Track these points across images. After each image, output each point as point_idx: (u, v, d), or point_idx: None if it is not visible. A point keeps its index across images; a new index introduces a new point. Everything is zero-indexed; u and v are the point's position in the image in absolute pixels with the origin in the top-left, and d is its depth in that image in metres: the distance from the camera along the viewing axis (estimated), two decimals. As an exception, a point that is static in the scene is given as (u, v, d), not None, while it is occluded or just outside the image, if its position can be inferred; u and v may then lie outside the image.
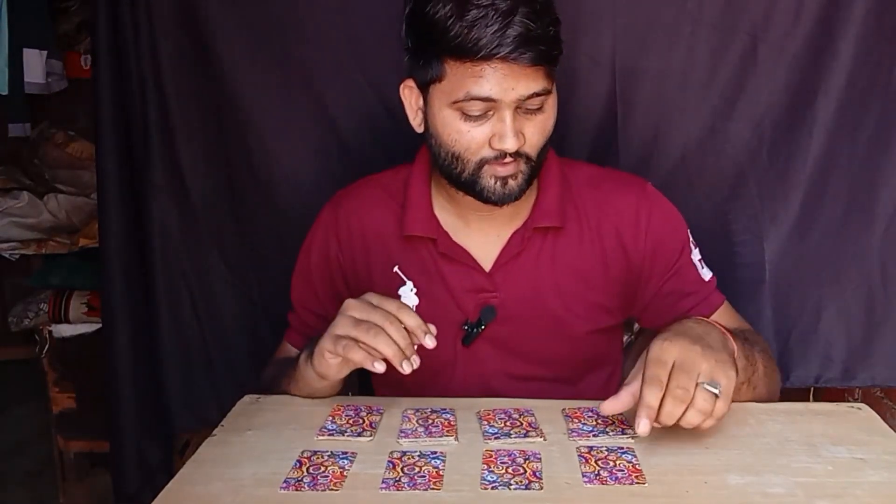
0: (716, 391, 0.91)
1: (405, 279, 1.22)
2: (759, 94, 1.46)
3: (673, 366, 0.92)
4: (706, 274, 1.24)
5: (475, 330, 1.20)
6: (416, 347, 1.00)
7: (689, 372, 0.92)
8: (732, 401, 0.95)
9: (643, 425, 0.89)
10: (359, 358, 1.00)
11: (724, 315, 1.23)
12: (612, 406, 0.96)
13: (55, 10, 2.17)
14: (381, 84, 1.50)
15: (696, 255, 1.24)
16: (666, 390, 0.91)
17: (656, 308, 1.24)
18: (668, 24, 1.44)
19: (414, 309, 1.19)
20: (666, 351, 0.93)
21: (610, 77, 1.47)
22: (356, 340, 1.00)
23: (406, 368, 0.98)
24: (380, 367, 0.99)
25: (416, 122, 1.16)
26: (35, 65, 1.90)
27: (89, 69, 1.61)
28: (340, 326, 1.02)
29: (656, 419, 0.91)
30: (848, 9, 1.40)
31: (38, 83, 1.93)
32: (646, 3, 1.44)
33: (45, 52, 1.93)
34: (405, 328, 1.00)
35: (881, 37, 1.41)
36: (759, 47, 1.43)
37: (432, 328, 1.01)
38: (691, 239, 1.24)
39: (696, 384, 0.91)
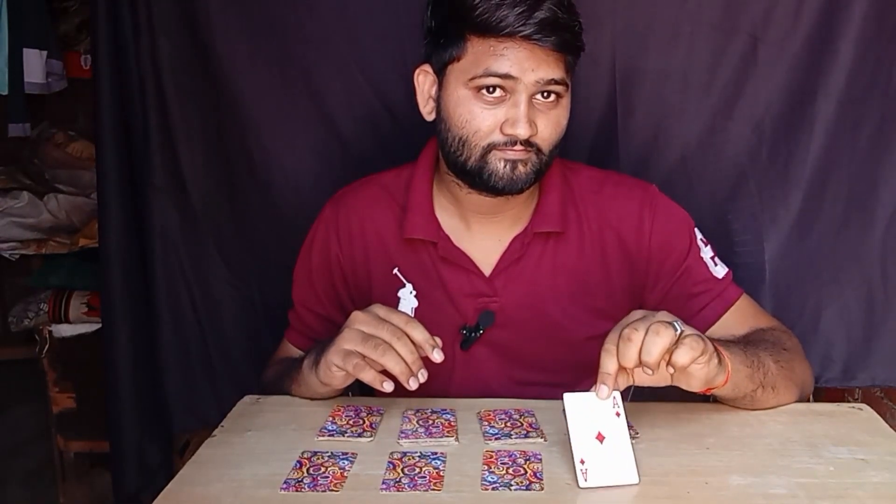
0: (676, 327, 0.91)
1: (405, 281, 1.22)
2: (759, 94, 1.45)
3: None
4: (719, 271, 1.22)
5: (473, 334, 1.20)
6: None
7: (646, 319, 0.92)
8: (756, 408, 1.03)
9: (602, 391, 0.91)
10: (369, 378, 1.00)
11: (741, 310, 1.22)
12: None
13: (55, 10, 2.16)
14: (381, 84, 1.50)
15: (706, 253, 1.23)
16: (619, 340, 0.91)
17: (668, 309, 1.22)
18: (668, 24, 1.44)
19: (413, 311, 1.20)
20: (627, 317, 0.94)
21: (610, 77, 1.47)
22: (364, 356, 1.00)
23: (413, 385, 0.99)
24: (388, 388, 0.99)
25: (427, 109, 1.16)
26: (35, 65, 1.89)
27: (89, 69, 1.61)
28: (348, 341, 1.01)
29: (623, 368, 0.91)
30: (848, 9, 1.40)
31: (38, 83, 1.92)
32: (646, 3, 1.43)
33: (45, 52, 1.92)
34: (412, 342, 1.00)
35: (881, 37, 1.41)
36: (759, 47, 1.43)
37: (439, 341, 1.01)
38: (699, 237, 1.24)
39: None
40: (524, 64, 1.04)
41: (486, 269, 1.20)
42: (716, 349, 0.97)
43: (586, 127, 1.50)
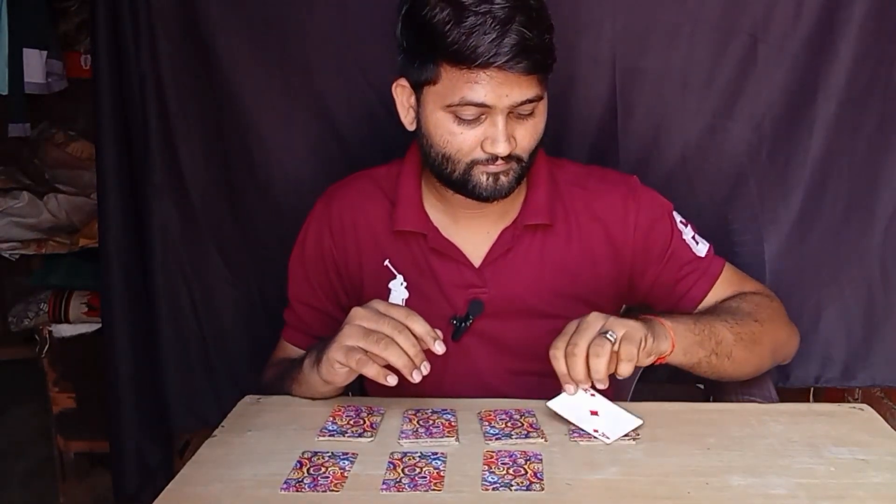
0: (611, 338, 1.00)
1: (395, 272, 1.23)
2: (759, 94, 1.46)
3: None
4: (701, 249, 1.27)
5: (463, 324, 1.21)
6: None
7: (582, 332, 1.02)
8: (720, 376, 1.15)
9: (569, 389, 1.04)
10: (372, 373, 1.00)
11: (726, 280, 1.27)
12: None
13: (55, 10, 2.16)
14: (381, 84, 1.48)
15: (687, 234, 1.26)
16: (565, 354, 1.02)
17: (658, 294, 1.27)
18: (668, 24, 1.44)
19: (403, 302, 1.21)
20: (567, 326, 1.05)
21: (610, 77, 1.47)
22: (366, 351, 1.00)
23: (416, 378, 0.99)
24: (392, 382, 1.00)
25: (408, 120, 1.17)
26: (35, 65, 1.88)
27: (89, 69, 1.60)
28: (349, 337, 1.02)
29: (570, 377, 1.02)
30: (848, 9, 1.40)
31: (38, 83, 1.91)
32: (646, 3, 1.44)
33: (45, 52, 1.92)
34: (413, 335, 1.00)
35: (881, 37, 1.41)
36: (759, 47, 1.43)
37: (440, 333, 1.02)
38: (679, 220, 1.27)
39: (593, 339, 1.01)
40: (498, 91, 1.05)
41: (476, 261, 1.22)
42: (652, 320, 1.08)
43: (586, 127, 1.50)
